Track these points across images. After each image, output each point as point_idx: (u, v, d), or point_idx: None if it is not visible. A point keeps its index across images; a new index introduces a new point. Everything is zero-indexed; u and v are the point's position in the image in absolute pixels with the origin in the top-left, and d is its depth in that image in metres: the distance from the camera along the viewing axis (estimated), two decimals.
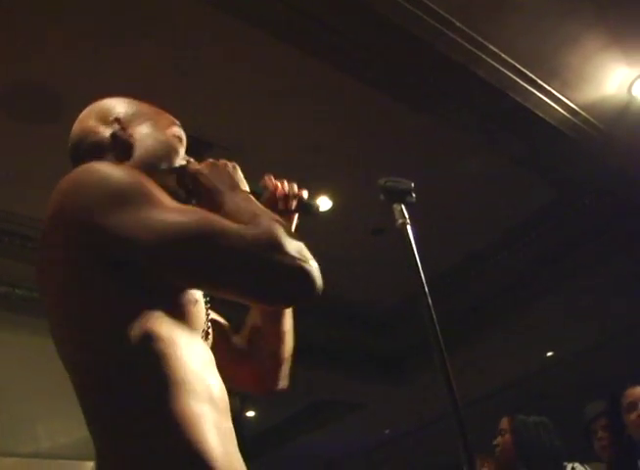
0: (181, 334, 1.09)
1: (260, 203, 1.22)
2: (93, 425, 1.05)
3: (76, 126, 1.35)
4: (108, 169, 1.10)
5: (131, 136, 1.28)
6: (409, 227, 1.39)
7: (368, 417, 8.16)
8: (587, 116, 4.32)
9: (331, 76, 3.83)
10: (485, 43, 3.69)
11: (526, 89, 4.01)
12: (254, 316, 1.43)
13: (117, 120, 1.30)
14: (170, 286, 1.11)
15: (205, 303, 1.23)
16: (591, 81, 4.09)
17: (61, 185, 1.12)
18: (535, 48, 3.82)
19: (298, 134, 4.13)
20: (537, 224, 5.50)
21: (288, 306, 1.26)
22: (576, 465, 2.97)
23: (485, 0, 3.51)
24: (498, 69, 3.84)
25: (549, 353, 7.58)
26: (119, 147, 1.26)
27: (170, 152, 1.30)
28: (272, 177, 1.35)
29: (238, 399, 6.32)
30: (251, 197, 1.21)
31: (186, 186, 1.27)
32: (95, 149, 1.27)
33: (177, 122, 1.37)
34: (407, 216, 1.40)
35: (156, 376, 1.02)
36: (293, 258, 1.04)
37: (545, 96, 4.10)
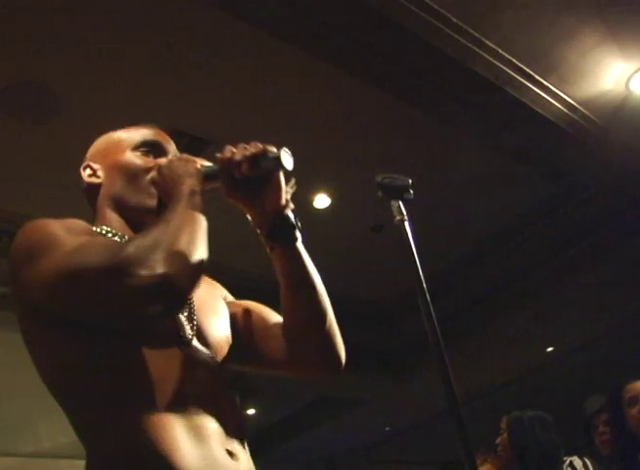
0: (138, 344, 1.14)
1: (217, 179, 1.25)
2: (74, 429, 1.15)
3: None
4: (26, 228, 1.19)
5: (98, 177, 1.37)
6: (407, 223, 1.38)
7: (368, 414, 8.16)
8: (585, 110, 4.32)
9: (329, 74, 3.83)
10: (482, 39, 3.69)
11: (524, 84, 4.01)
12: (282, 297, 1.37)
13: (88, 166, 1.39)
14: None
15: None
16: (588, 76, 4.09)
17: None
18: (532, 43, 3.82)
19: (297, 131, 4.13)
20: (535, 219, 5.50)
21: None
22: (575, 459, 2.97)
23: None
24: (495, 64, 3.84)
25: (549, 349, 7.58)
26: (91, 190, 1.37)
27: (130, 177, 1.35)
28: (231, 148, 1.26)
29: (238, 396, 6.33)
30: (177, 206, 1.17)
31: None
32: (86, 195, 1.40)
33: (137, 139, 1.40)
34: (405, 213, 1.39)
35: (115, 386, 1.11)
36: (140, 277, 1.01)
37: (542, 91, 4.10)
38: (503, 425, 3.16)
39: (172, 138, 1.47)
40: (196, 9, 3.34)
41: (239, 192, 1.28)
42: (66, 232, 1.16)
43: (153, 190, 1.31)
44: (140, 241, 1.08)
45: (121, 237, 1.27)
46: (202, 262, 1.10)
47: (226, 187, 1.27)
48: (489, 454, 3.87)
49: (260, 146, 1.24)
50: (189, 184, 1.21)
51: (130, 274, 1.01)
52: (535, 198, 5.26)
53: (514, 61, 3.87)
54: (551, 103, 4.19)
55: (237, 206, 1.32)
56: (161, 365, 1.14)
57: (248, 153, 1.23)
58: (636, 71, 4.05)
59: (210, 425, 1.13)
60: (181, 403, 1.11)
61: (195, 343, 1.23)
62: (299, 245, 1.32)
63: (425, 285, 1.32)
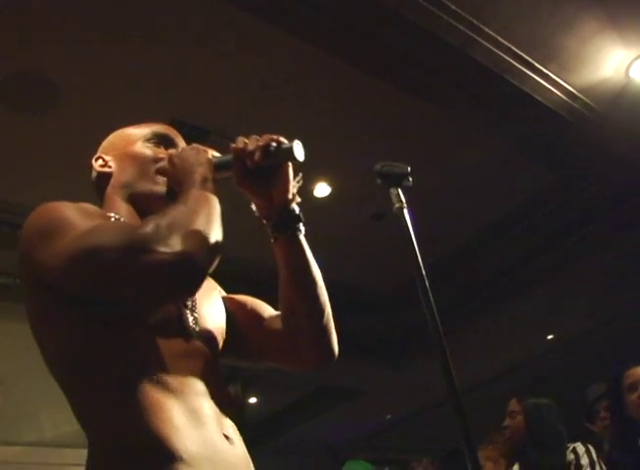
0: (144, 330, 1.17)
1: (227, 169, 1.28)
2: (76, 416, 1.16)
3: None
4: (40, 209, 1.21)
5: (110, 167, 1.40)
6: (406, 211, 1.38)
7: (370, 403, 8.20)
8: (585, 98, 4.31)
9: (329, 64, 3.83)
10: (482, 27, 3.68)
11: (523, 73, 4.00)
12: (282, 289, 1.39)
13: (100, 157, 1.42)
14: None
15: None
16: (588, 64, 4.08)
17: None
18: (532, 31, 3.81)
19: (297, 120, 4.12)
20: (535, 207, 5.51)
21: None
22: (577, 445, 2.99)
23: None
24: (495, 52, 3.83)
25: (549, 337, 7.60)
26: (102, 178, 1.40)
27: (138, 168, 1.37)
28: (243, 139, 1.29)
29: (240, 385, 6.35)
30: (189, 193, 1.19)
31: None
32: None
33: (146, 133, 1.43)
34: (404, 200, 1.39)
35: (117, 371, 1.13)
36: (160, 253, 1.03)
37: (542, 79, 4.09)
38: (514, 408, 3.15)
39: (173, 128, 1.49)
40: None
41: (249, 181, 1.30)
42: (80, 214, 1.18)
43: (162, 178, 1.34)
44: (158, 221, 1.09)
45: None
46: (218, 243, 1.12)
47: (237, 176, 1.29)
48: (489, 443, 3.90)
49: (274, 137, 1.27)
50: (200, 172, 1.24)
51: (149, 251, 1.03)
52: (535, 186, 5.26)
53: (513, 49, 3.86)
54: (551, 91, 4.18)
55: (245, 195, 1.34)
56: (164, 352, 1.16)
57: (261, 143, 1.26)
58: (636, 59, 4.04)
59: (208, 411, 1.16)
60: (180, 391, 1.14)
61: (196, 334, 1.26)
62: (302, 238, 1.35)
63: (424, 273, 1.32)
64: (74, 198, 1.25)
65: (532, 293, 6.35)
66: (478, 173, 4.89)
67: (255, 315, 1.43)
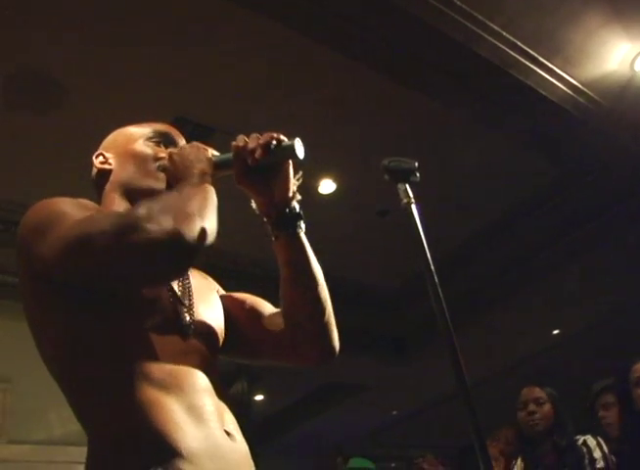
0: (141, 329, 1.18)
1: (228, 168, 1.29)
2: (76, 415, 1.18)
3: None
4: (37, 205, 1.22)
5: (110, 164, 1.41)
6: (414, 206, 1.38)
7: (376, 399, 8.20)
8: (589, 92, 4.30)
9: (333, 60, 3.82)
10: (486, 22, 3.67)
11: (528, 67, 3.99)
12: (282, 287, 1.39)
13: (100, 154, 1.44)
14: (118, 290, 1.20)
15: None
16: (593, 58, 4.06)
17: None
18: (537, 26, 3.79)
19: (302, 117, 4.12)
20: (541, 202, 5.50)
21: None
22: (588, 437, 2.99)
23: None
24: (500, 47, 3.82)
25: (555, 331, 7.59)
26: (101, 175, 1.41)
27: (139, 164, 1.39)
28: (244, 137, 1.30)
29: (246, 383, 6.36)
30: (184, 188, 1.20)
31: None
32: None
33: (147, 132, 1.44)
34: (412, 196, 1.39)
35: (115, 369, 1.14)
36: (150, 232, 1.05)
37: (547, 73, 4.08)
38: (540, 395, 3.14)
39: (176, 126, 1.50)
40: None
41: (250, 179, 1.30)
42: (75, 207, 1.20)
43: (162, 175, 1.35)
44: (150, 203, 1.11)
45: None
46: (210, 227, 1.13)
47: (238, 174, 1.29)
48: (494, 439, 3.90)
49: (274, 135, 1.27)
50: (199, 168, 1.25)
51: (140, 229, 1.05)
52: (540, 181, 5.24)
53: (518, 43, 3.85)
54: (556, 85, 4.17)
55: (245, 193, 1.34)
56: (161, 350, 1.18)
57: (262, 140, 1.26)
58: None
59: (209, 408, 1.17)
60: (180, 388, 1.15)
61: (192, 331, 1.27)
62: (303, 236, 1.35)
63: (433, 267, 1.32)
64: (78, 197, 1.26)
65: (538, 288, 6.34)
66: (482, 169, 4.89)
67: (255, 312, 1.43)
